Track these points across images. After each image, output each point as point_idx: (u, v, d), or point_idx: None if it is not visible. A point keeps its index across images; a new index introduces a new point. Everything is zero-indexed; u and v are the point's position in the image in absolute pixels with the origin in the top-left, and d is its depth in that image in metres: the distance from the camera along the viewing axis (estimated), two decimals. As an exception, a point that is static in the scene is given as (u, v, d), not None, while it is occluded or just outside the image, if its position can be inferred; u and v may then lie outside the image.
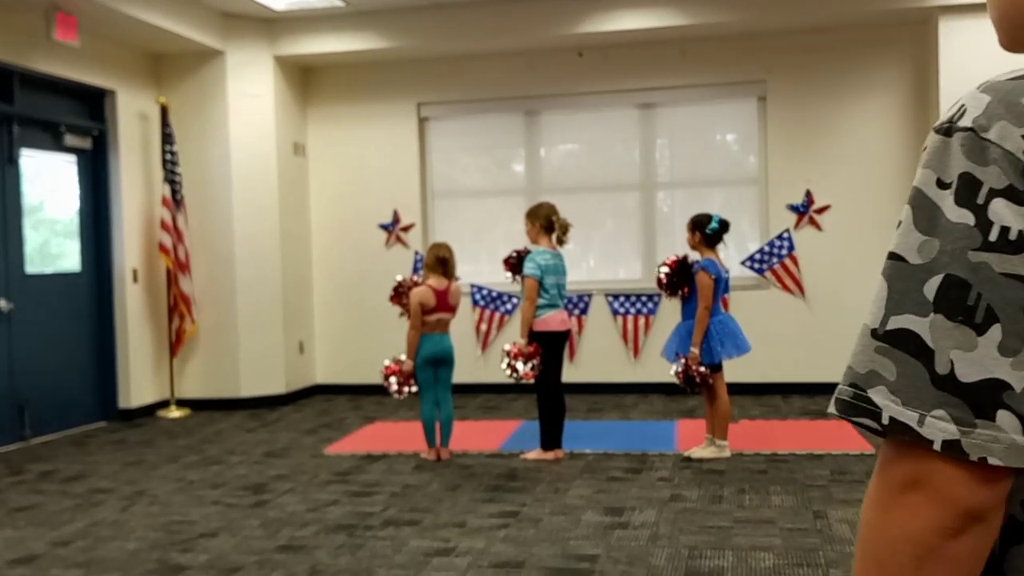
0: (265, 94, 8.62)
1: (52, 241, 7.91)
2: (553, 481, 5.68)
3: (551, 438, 6.26)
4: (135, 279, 8.24)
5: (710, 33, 8.36)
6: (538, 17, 8.24)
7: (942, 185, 0.78)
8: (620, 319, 8.83)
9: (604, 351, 8.84)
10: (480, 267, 9.09)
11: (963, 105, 0.81)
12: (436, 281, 6.22)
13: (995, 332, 0.75)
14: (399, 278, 6.55)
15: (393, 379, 6.18)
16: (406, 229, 9.15)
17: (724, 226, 6.07)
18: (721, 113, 8.82)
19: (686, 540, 4.50)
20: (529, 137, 9.12)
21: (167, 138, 8.21)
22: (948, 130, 0.80)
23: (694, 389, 5.99)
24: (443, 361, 6.28)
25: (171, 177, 8.19)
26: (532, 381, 6.15)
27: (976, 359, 0.75)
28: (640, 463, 6.08)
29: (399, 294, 6.44)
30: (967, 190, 0.77)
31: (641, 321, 8.78)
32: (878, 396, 0.78)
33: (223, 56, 8.46)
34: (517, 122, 9.13)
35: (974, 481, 0.76)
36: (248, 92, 8.55)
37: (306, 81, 9.28)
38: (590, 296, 8.86)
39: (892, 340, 0.78)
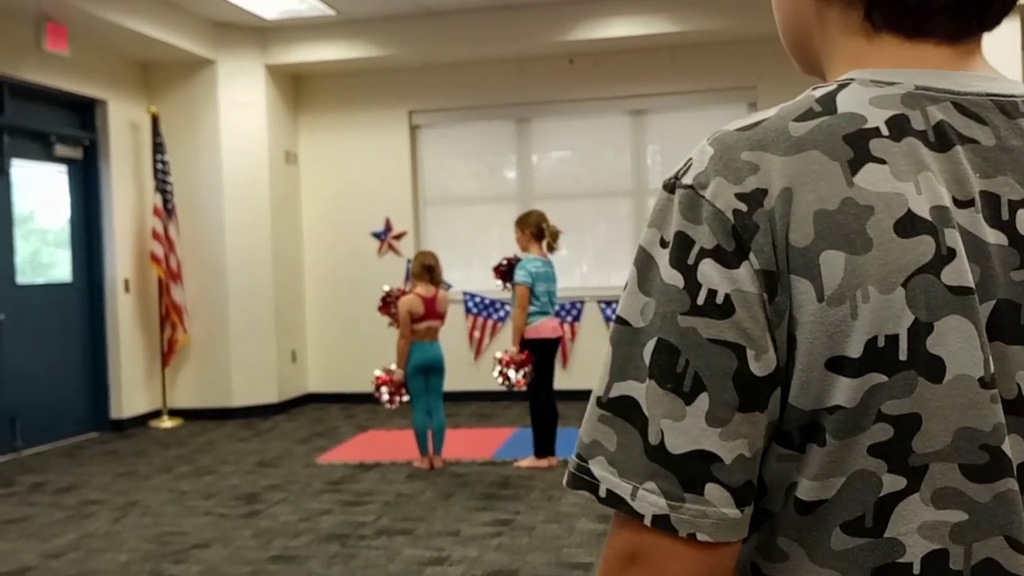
0: (256, 103, 8.62)
1: (43, 251, 7.89)
2: (546, 489, 5.68)
3: (544, 445, 6.26)
4: (127, 289, 8.21)
5: (700, 40, 8.38)
6: (529, 25, 8.26)
7: (663, 244, 0.75)
8: (612, 326, 8.82)
9: (597, 358, 8.78)
10: (473, 274, 9.08)
11: (690, 159, 0.78)
12: (424, 289, 6.22)
13: (703, 401, 0.72)
14: (386, 288, 6.55)
15: (384, 389, 6.17)
16: (398, 237, 9.15)
17: None
18: (712, 119, 8.83)
19: (680, 547, 4.49)
20: (521, 144, 9.13)
21: (158, 147, 8.19)
22: (672, 186, 0.77)
23: None
24: (433, 369, 6.27)
25: (162, 186, 8.17)
26: (524, 389, 6.15)
27: (684, 429, 0.72)
28: (633, 470, 6.07)
29: (387, 304, 6.43)
30: (679, 250, 0.74)
31: (634, 327, 8.77)
32: (597, 467, 0.74)
33: (214, 65, 8.45)
34: (509, 129, 9.14)
35: (689, 557, 0.72)
36: (239, 101, 8.54)
37: (297, 89, 9.28)
38: (583, 303, 8.86)
39: (613, 408, 0.75)
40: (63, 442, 7.67)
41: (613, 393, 0.75)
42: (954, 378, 0.71)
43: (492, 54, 8.69)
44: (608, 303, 8.82)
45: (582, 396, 8.94)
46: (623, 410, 0.74)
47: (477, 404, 8.75)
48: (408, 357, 6.17)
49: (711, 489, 0.72)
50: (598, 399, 0.76)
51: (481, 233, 9.26)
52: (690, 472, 0.72)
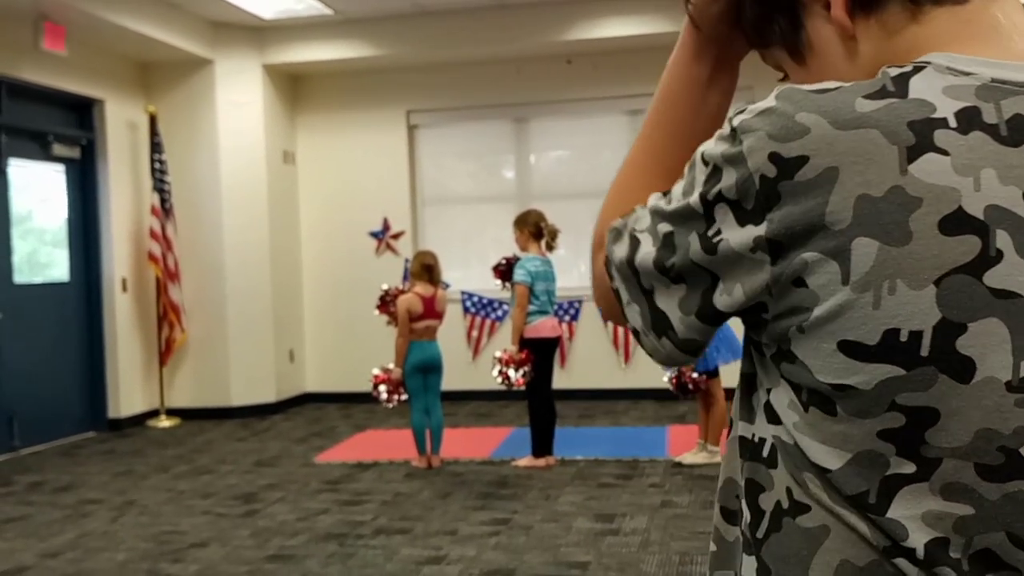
0: (254, 102, 8.61)
1: (41, 251, 7.89)
2: (544, 488, 5.68)
3: (542, 445, 6.26)
4: (124, 288, 8.21)
5: (698, 40, 8.38)
6: (527, 25, 8.26)
7: (704, 162, 0.84)
8: (611, 325, 8.84)
9: (595, 357, 8.85)
10: (471, 273, 9.08)
11: (758, 104, 0.80)
12: (423, 288, 6.22)
13: (679, 290, 0.83)
14: (385, 287, 6.56)
15: (382, 388, 6.17)
16: (396, 237, 9.15)
17: None
18: (710, 119, 8.84)
19: (677, 546, 4.50)
20: (519, 144, 9.14)
21: (156, 147, 8.19)
22: (730, 116, 0.82)
23: (687, 395, 6.00)
24: (432, 368, 6.28)
25: (160, 186, 8.17)
26: (523, 388, 6.15)
27: (671, 295, 0.86)
28: (631, 469, 6.08)
29: (385, 303, 6.44)
30: (707, 179, 0.81)
31: (631, 327, 8.77)
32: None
33: (212, 65, 8.45)
34: (507, 129, 9.14)
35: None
36: (237, 100, 8.54)
37: (295, 89, 9.28)
38: (580, 302, 8.86)
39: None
40: (61, 441, 7.67)
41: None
42: (982, 380, 0.70)
43: (490, 54, 8.69)
44: (606, 303, 8.81)
45: (580, 396, 8.97)
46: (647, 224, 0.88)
47: (475, 403, 8.75)
48: (406, 356, 6.18)
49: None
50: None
51: (479, 233, 9.26)
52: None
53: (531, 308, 6.13)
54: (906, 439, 0.72)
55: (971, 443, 0.71)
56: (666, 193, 0.85)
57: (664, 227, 0.82)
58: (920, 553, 0.73)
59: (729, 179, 0.75)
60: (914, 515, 0.73)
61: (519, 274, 6.11)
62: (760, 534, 0.81)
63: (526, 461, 6.28)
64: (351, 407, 8.90)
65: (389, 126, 9.14)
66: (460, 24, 8.35)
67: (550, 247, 6.32)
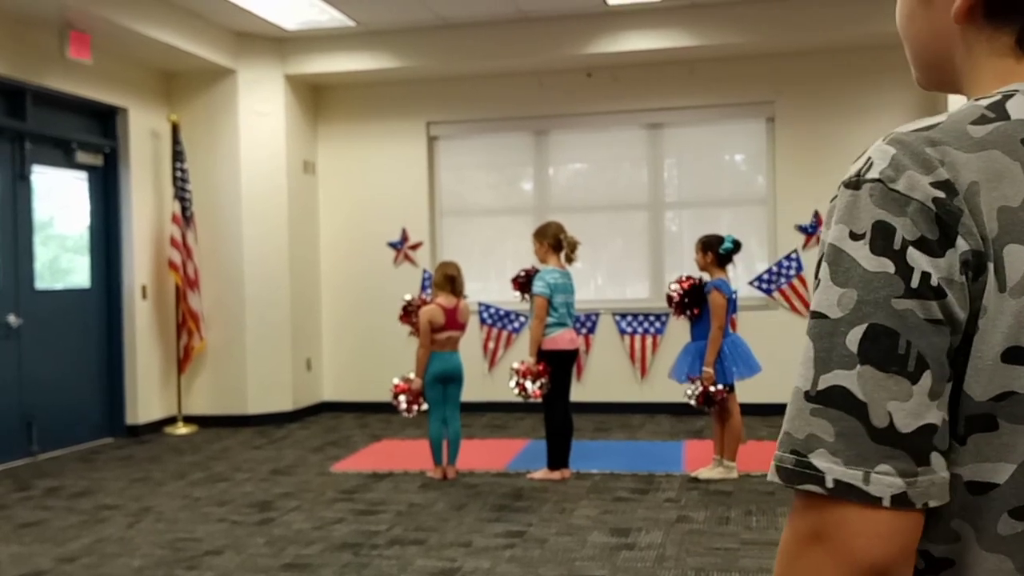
0: (276, 112, 8.67)
1: (62, 257, 7.94)
2: (559, 501, 5.66)
3: (558, 457, 6.25)
4: (144, 295, 8.26)
5: (719, 54, 8.39)
6: (547, 38, 8.28)
7: (855, 237, 0.78)
8: (628, 338, 8.82)
9: (611, 370, 8.82)
10: (488, 285, 9.09)
11: (869, 158, 0.81)
12: (445, 299, 6.23)
13: (927, 379, 0.75)
14: (408, 297, 6.57)
15: (403, 397, 6.17)
16: (415, 247, 9.17)
17: (737, 246, 6.08)
18: (730, 133, 8.84)
19: (693, 562, 4.48)
20: (538, 156, 9.15)
21: (178, 155, 8.25)
22: (856, 183, 0.80)
23: (712, 408, 5.97)
24: (452, 379, 6.28)
25: (181, 194, 8.22)
26: (540, 400, 6.14)
27: (912, 408, 0.75)
28: (647, 484, 6.06)
29: (408, 313, 6.45)
30: (882, 238, 0.77)
31: (649, 341, 8.76)
32: (819, 459, 0.77)
33: (234, 74, 8.51)
34: (526, 141, 9.16)
35: (876, 536, 0.75)
36: (259, 110, 8.60)
37: (317, 100, 9.33)
38: (597, 315, 8.85)
39: (825, 400, 0.77)
40: (79, 447, 7.71)
41: (821, 385, 0.78)
42: None
43: (510, 66, 8.71)
44: (623, 315, 8.81)
45: (597, 408, 8.93)
46: (835, 400, 0.77)
47: (491, 415, 8.75)
48: (427, 366, 6.18)
49: (935, 458, 0.76)
50: (806, 393, 0.79)
51: (497, 244, 9.27)
52: (920, 447, 0.75)
53: (549, 320, 6.13)
54: None
55: None
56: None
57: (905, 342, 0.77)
58: None
59: (904, 224, 0.77)
60: None
61: (538, 286, 6.11)
62: None
63: (542, 474, 6.27)
64: (367, 417, 8.90)
65: (409, 137, 9.17)
66: (481, 36, 8.38)
67: (569, 259, 6.31)
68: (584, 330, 8.79)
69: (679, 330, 7.47)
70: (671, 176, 8.96)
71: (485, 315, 9.06)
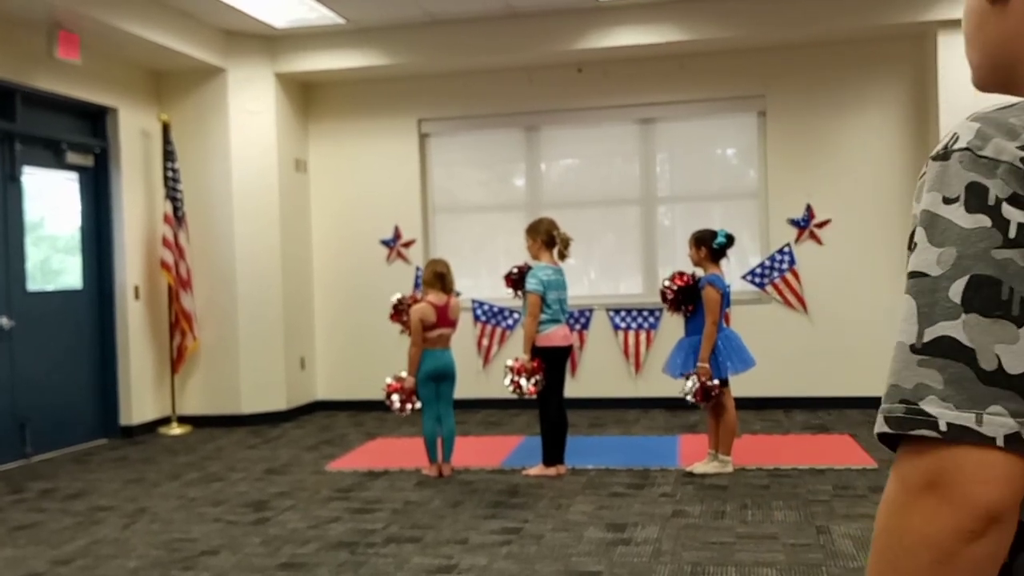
0: (266, 111, 8.65)
1: (53, 258, 7.92)
2: (555, 497, 5.67)
3: (553, 454, 6.25)
4: (136, 296, 8.24)
5: (709, 48, 8.39)
6: (538, 33, 8.27)
7: (948, 201, 0.83)
8: (621, 334, 8.83)
9: (605, 366, 8.83)
10: (481, 282, 9.09)
11: (955, 133, 0.86)
12: (435, 297, 6.22)
13: None
14: (398, 296, 6.56)
15: (395, 396, 6.17)
16: (407, 245, 9.16)
17: (731, 241, 6.09)
18: (721, 128, 8.84)
19: (689, 556, 4.49)
20: (529, 152, 9.14)
21: (168, 155, 8.23)
22: (945, 155, 0.85)
23: (709, 402, 5.97)
24: (445, 376, 6.28)
25: (172, 194, 8.20)
26: (535, 396, 6.14)
27: (1020, 350, 0.78)
28: (642, 479, 6.07)
29: (399, 311, 6.44)
30: (976, 197, 0.81)
31: (642, 336, 8.77)
32: (931, 406, 0.79)
33: (224, 73, 8.49)
34: (517, 137, 9.15)
35: (992, 480, 0.77)
36: (249, 109, 8.57)
37: (307, 98, 9.31)
38: (591, 311, 8.85)
39: (932, 350, 0.81)
40: (72, 448, 7.69)
41: (927, 338, 0.81)
42: None
43: (501, 63, 8.70)
44: (616, 311, 8.81)
45: (591, 404, 8.93)
46: (943, 349, 0.80)
47: (485, 412, 8.75)
48: (419, 364, 6.18)
49: None
50: (911, 347, 0.82)
51: (490, 241, 9.27)
52: None
53: (543, 317, 6.12)
54: None
55: None
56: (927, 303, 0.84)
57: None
58: None
59: (995, 184, 0.81)
60: None
61: (531, 283, 6.11)
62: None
63: (537, 470, 6.27)
64: (362, 415, 8.90)
65: (400, 135, 9.16)
66: (471, 33, 8.37)
67: (562, 256, 6.31)
68: (578, 326, 8.79)
69: (673, 325, 7.48)
70: (663, 171, 8.96)
71: (478, 312, 9.06)
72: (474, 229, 9.28)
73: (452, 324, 6.28)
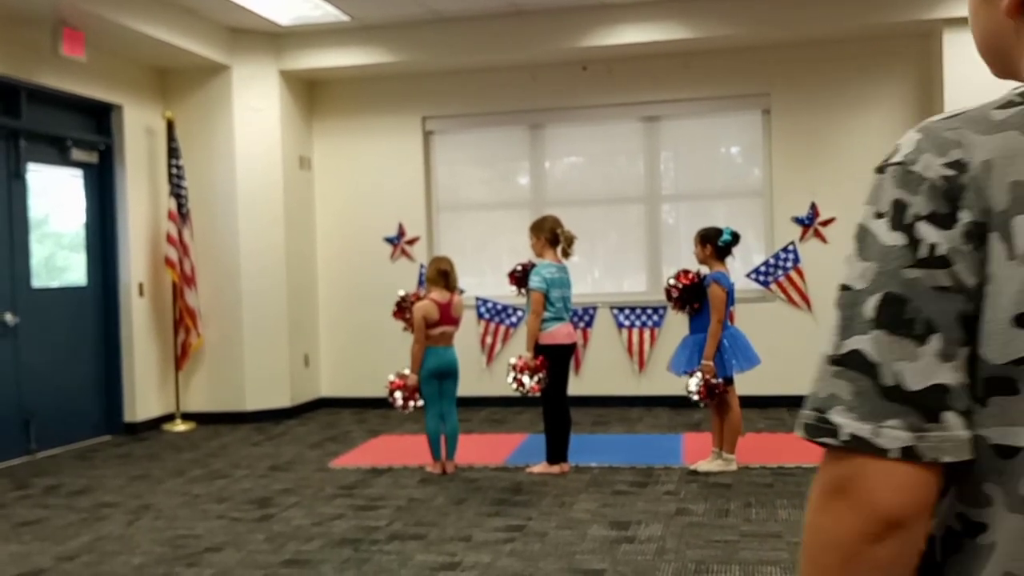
0: (271, 108, 8.65)
1: (58, 255, 7.93)
2: (559, 495, 5.67)
3: (557, 451, 6.25)
4: (141, 293, 8.25)
5: (714, 46, 8.38)
6: (542, 31, 8.27)
7: (878, 215, 0.87)
8: (625, 332, 8.82)
9: (609, 364, 8.83)
10: (485, 279, 9.09)
11: (898, 145, 0.89)
12: (439, 294, 6.22)
13: (935, 342, 0.82)
14: (401, 293, 6.56)
15: (398, 394, 6.17)
16: (411, 242, 9.16)
17: (736, 238, 6.08)
18: (725, 126, 8.83)
19: (692, 554, 4.48)
20: (534, 150, 9.14)
21: (173, 152, 8.23)
22: (883, 168, 0.89)
23: (714, 400, 5.97)
24: (448, 374, 6.28)
25: (177, 191, 8.21)
26: (538, 394, 6.14)
27: (920, 368, 0.82)
28: (646, 477, 6.07)
29: (402, 309, 6.44)
30: (898, 214, 0.85)
31: (647, 334, 8.77)
32: (837, 416, 0.84)
33: (229, 70, 8.49)
34: (522, 135, 9.15)
35: (892, 488, 0.81)
36: (254, 106, 8.58)
37: (312, 95, 9.31)
38: (595, 309, 8.85)
39: (845, 362, 0.85)
40: (77, 445, 7.70)
41: (842, 350, 0.85)
42: None
43: (505, 60, 8.70)
44: (620, 309, 8.80)
45: (595, 402, 8.91)
46: (853, 362, 0.84)
47: (489, 410, 8.75)
48: (422, 362, 6.18)
49: (948, 416, 0.82)
50: (830, 357, 0.86)
51: (493, 239, 9.27)
52: (928, 404, 0.82)
53: (546, 315, 6.12)
54: None
55: None
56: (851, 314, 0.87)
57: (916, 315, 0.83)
58: None
59: (917, 200, 0.84)
60: None
61: (534, 280, 6.11)
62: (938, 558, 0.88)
63: (540, 468, 6.27)
64: (366, 412, 8.90)
65: (405, 132, 9.16)
66: (476, 31, 8.36)
67: (566, 254, 6.30)
68: (582, 324, 8.79)
69: (677, 323, 7.47)
70: (667, 169, 8.95)
71: (482, 310, 9.06)
72: (478, 227, 9.28)
73: (455, 322, 6.28)
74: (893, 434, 0.81)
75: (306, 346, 9.11)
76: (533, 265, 6.28)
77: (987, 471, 0.83)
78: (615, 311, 8.82)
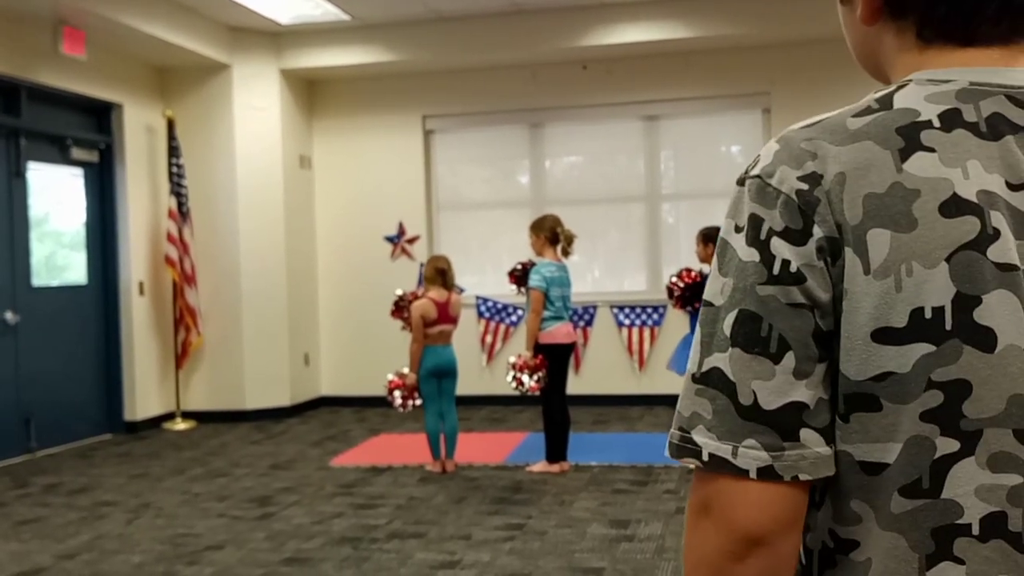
0: (271, 107, 8.65)
1: (58, 253, 7.93)
2: (558, 493, 5.67)
3: (556, 450, 6.26)
4: (141, 291, 8.25)
5: (714, 45, 8.38)
6: (542, 30, 8.27)
7: (737, 230, 0.84)
8: (625, 331, 8.83)
9: (609, 363, 8.83)
10: (485, 278, 9.09)
11: (758, 155, 0.87)
12: (436, 293, 6.23)
13: (789, 359, 0.80)
14: (399, 292, 6.57)
15: (397, 393, 6.18)
16: (412, 241, 9.16)
17: None
18: (725, 125, 8.83)
19: (692, 553, 4.48)
20: (534, 149, 9.14)
21: (173, 151, 8.23)
22: (742, 180, 0.86)
23: None
24: (446, 373, 6.28)
25: (177, 190, 8.21)
26: (538, 393, 6.15)
27: (775, 387, 0.80)
28: (646, 475, 6.07)
29: (400, 308, 6.45)
30: (753, 229, 0.82)
31: (646, 332, 8.77)
32: (699, 435, 0.82)
33: (229, 69, 8.49)
34: (522, 134, 9.15)
35: (750, 506, 0.80)
36: (254, 105, 8.58)
37: (312, 94, 9.31)
38: (595, 308, 8.86)
39: (705, 380, 0.83)
40: (77, 443, 7.71)
41: (704, 368, 0.84)
42: (1005, 348, 0.77)
43: (506, 59, 8.70)
44: (620, 308, 8.81)
45: (595, 401, 8.93)
46: (713, 381, 0.83)
47: (489, 408, 8.75)
48: (421, 361, 6.18)
49: (806, 434, 0.80)
50: (693, 375, 0.85)
51: (494, 238, 9.27)
52: (785, 423, 0.80)
53: (546, 314, 6.12)
54: (946, 416, 0.77)
55: (1006, 410, 0.77)
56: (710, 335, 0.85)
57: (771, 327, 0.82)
58: (975, 529, 0.78)
59: (773, 215, 0.82)
60: (967, 492, 0.78)
61: (534, 279, 6.11)
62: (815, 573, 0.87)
63: (540, 466, 6.28)
64: (365, 411, 8.91)
65: (405, 131, 9.16)
66: (476, 30, 8.37)
67: (566, 252, 6.31)
68: (582, 323, 8.79)
69: (677, 322, 7.49)
70: (667, 168, 8.96)
71: (482, 308, 9.06)
72: (478, 226, 9.28)
73: (453, 320, 6.29)
74: (752, 454, 0.80)
75: (306, 345, 9.11)
76: (533, 264, 6.29)
77: (854, 488, 0.82)
78: (615, 310, 8.82)
